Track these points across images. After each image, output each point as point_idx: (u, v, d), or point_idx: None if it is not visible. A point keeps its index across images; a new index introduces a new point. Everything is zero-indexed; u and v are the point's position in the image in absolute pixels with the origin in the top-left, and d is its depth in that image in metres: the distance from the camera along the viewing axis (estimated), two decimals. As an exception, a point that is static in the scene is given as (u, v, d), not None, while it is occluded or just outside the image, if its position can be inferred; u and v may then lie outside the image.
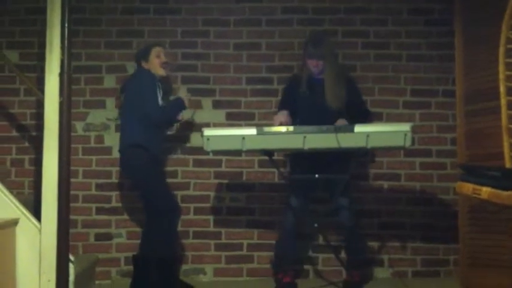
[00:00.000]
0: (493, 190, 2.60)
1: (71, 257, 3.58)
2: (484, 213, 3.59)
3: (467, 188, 2.72)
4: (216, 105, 4.48)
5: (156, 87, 3.92)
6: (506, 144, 3.00)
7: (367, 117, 4.00)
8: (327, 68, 3.92)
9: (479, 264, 3.76)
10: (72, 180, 3.86)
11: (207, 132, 3.61)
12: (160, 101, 3.95)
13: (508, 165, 2.98)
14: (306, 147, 3.51)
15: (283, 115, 3.82)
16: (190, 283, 4.04)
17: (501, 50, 3.03)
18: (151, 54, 4.01)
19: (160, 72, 4.01)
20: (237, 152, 4.11)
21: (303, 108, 3.94)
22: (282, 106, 4.03)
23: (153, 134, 3.90)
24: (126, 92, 3.99)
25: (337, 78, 3.94)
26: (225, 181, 4.44)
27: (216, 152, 3.88)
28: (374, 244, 4.37)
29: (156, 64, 3.99)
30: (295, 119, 3.93)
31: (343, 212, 3.91)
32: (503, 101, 3.02)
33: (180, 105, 4.02)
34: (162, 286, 3.79)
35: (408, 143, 3.45)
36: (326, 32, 4.43)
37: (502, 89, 3.02)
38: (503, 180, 2.63)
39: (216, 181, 4.44)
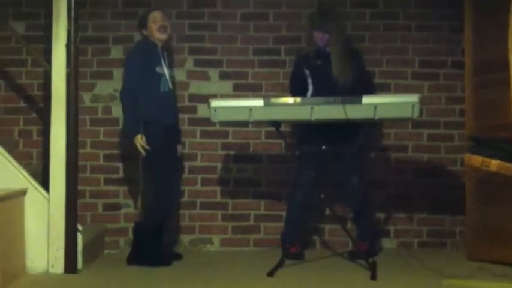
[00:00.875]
0: (502, 162, 2.60)
1: (79, 227, 3.62)
2: (490, 185, 3.59)
3: (477, 160, 2.72)
4: (223, 76, 4.47)
5: (152, 57, 3.87)
6: (514, 116, 2.99)
7: (372, 93, 3.98)
8: (333, 43, 3.89)
9: (485, 236, 3.77)
10: (80, 151, 3.89)
11: (214, 103, 3.60)
12: (166, 70, 3.91)
13: (516, 137, 2.98)
14: (313, 118, 3.50)
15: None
16: (180, 252, 4.12)
17: (510, 19, 2.99)
18: (149, 20, 3.94)
19: (159, 36, 3.91)
20: (244, 123, 4.10)
21: (316, 78, 3.94)
22: (294, 83, 4.06)
23: (163, 106, 3.85)
24: None
25: (344, 53, 3.91)
26: (232, 152, 4.45)
27: (223, 123, 3.89)
28: (380, 215, 4.39)
29: (154, 29, 3.92)
30: (307, 92, 3.95)
31: (355, 192, 3.94)
32: (511, 72, 3.00)
33: (129, 128, 3.85)
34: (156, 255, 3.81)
35: (416, 114, 3.43)
36: (334, 2, 4.38)
37: (510, 59, 2.99)
38: (512, 152, 2.62)
39: (223, 152, 4.45)
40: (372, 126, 4.32)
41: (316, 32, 3.92)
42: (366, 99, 3.47)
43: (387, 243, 4.38)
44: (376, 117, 3.46)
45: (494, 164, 2.64)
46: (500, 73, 3.40)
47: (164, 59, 3.95)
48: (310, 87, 3.98)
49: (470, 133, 3.84)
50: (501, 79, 3.35)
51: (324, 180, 4.12)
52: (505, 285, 3.20)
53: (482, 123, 3.83)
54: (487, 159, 2.68)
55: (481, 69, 3.85)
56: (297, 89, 4.00)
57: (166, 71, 3.92)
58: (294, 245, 3.96)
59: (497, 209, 3.72)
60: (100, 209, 4.41)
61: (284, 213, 4.16)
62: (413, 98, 3.45)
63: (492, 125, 3.68)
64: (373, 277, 3.44)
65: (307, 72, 3.99)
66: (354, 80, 3.86)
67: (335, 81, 3.83)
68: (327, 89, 3.73)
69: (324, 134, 3.74)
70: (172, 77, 3.99)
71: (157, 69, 3.88)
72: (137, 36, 4.36)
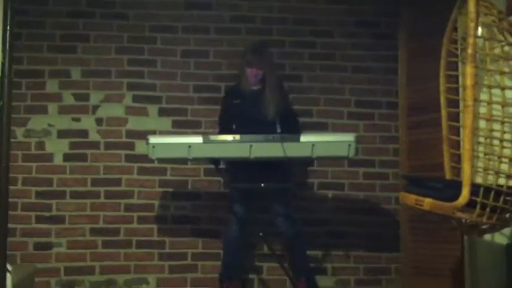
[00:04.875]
0: (435, 201, 2.67)
1: (9, 267, 3.46)
2: (424, 223, 3.68)
3: (410, 198, 2.79)
4: (162, 112, 4.44)
5: None
6: (446, 155, 3.09)
7: (297, 125, 4.02)
8: (268, 78, 3.91)
9: (420, 272, 3.85)
10: (11, 187, 3.73)
11: (153, 139, 3.57)
12: None
13: (448, 176, 3.07)
14: (253, 156, 3.51)
15: None
16: None
17: (442, 62, 3.12)
18: None
19: None
20: (183, 160, 4.07)
21: (237, 118, 3.90)
22: (222, 117, 4.03)
23: None
24: None
25: (278, 88, 3.95)
26: (170, 189, 4.39)
27: (162, 160, 3.84)
28: (318, 253, 4.40)
29: None
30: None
31: (280, 219, 3.89)
32: (443, 112, 3.11)
33: None
34: None
35: (352, 153, 3.51)
36: (272, 42, 4.46)
37: (442, 100, 3.12)
38: (444, 191, 2.70)
39: (161, 189, 4.38)
40: (308, 165, 4.37)
41: (250, 69, 3.91)
42: (304, 138, 3.53)
43: (325, 281, 4.39)
44: (314, 156, 3.51)
45: (428, 202, 2.71)
46: (432, 114, 3.54)
47: None
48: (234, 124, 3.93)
49: (404, 172, 3.95)
50: (434, 119, 3.48)
51: (262, 218, 4.11)
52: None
53: (415, 163, 3.95)
54: (420, 198, 2.75)
55: (415, 109, 3.99)
56: (225, 125, 3.96)
57: None
58: (232, 285, 3.91)
59: (430, 247, 3.81)
60: (31, 248, 4.24)
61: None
62: (349, 137, 3.54)
63: (425, 164, 3.80)
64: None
65: (237, 106, 3.93)
66: (281, 116, 3.86)
67: (262, 118, 3.81)
68: (249, 126, 3.72)
69: (257, 170, 3.73)
70: None
71: None
72: (75, 70, 4.35)
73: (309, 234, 4.29)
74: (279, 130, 3.70)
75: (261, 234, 3.84)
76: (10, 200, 3.55)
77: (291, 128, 3.79)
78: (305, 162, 4.32)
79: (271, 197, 3.89)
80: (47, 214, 4.27)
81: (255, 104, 3.87)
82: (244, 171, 3.82)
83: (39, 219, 4.27)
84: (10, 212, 3.64)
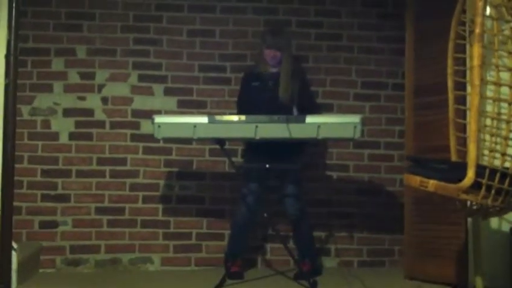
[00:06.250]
0: (440, 182, 2.66)
1: (14, 245, 3.49)
2: (428, 205, 3.67)
3: (415, 180, 2.78)
4: (168, 92, 4.43)
5: None
6: (452, 138, 3.08)
7: (314, 111, 4.01)
8: (284, 61, 3.88)
9: (423, 254, 3.85)
10: (17, 165, 3.75)
11: (158, 119, 3.56)
12: None
13: (453, 158, 3.06)
14: (258, 136, 3.50)
15: None
16: None
17: (450, 44, 3.10)
18: None
19: None
20: (188, 140, 4.07)
21: (255, 100, 3.89)
22: (241, 99, 4.01)
23: None
24: None
25: (292, 72, 3.92)
26: (175, 169, 4.40)
27: (167, 140, 3.84)
28: (321, 234, 4.42)
29: None
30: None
31: (289, 199, 3.91)
32: (450, 95, 3.09)
33: None
34: None
35: (357, 135, 3.49)
36: (280, 21, 4.43)
37: (449, 83, 3.09)
38: (449, 172, 2.69)
39: (166, 169, 4.39)
40: (315, 146, 4.37)
41: (268, 50, 3.89)
42: (310, 119, 3.51)
43: (328, 262, 4.41)
44: (319, 137, 3.50)
45: (432, 184, 2.70)
46: (439, 96, 3.51)
47: None
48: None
49: (409, 154, 3.93)
50: (439, 102, 3.46)
51: (266, 198, 4.11)
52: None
53: (420, 144, 3.92)
54: (425, 180, 2.74)
55: (421, 91, 3.96)
56: (243, 107, 3.95)
57: None
58: (235, 264, 3.92)
59: (434, 229, 3.80)
60: (36, 226, 4.27)
61: (227, 232, 4.13)
62: (355, 119, 3.52)
63: (430, 146, 3.78)
64: (314, 296, 3.45)
65: (254, 89, 3.92)
66: (298, 99, 3.88)
67: (279, 102, 3.82)
68: (268, 109, 3.69)
69: (267, 152, 3.74)
70: None
71: None
72: (80, 49, 4.33)
73: (313, 215, 4.30)
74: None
75: (265, 215, 3.84)
76: (16, 178, 3.58)
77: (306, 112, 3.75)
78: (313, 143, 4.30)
79: (283, 177, 3.90)
80: (52, 193, 4.29)
81: (272, 87, 3.86)
82: (258, 152, 3.81)
83: (44, 198, 4.28)
84: (16, 190, 3.68)
